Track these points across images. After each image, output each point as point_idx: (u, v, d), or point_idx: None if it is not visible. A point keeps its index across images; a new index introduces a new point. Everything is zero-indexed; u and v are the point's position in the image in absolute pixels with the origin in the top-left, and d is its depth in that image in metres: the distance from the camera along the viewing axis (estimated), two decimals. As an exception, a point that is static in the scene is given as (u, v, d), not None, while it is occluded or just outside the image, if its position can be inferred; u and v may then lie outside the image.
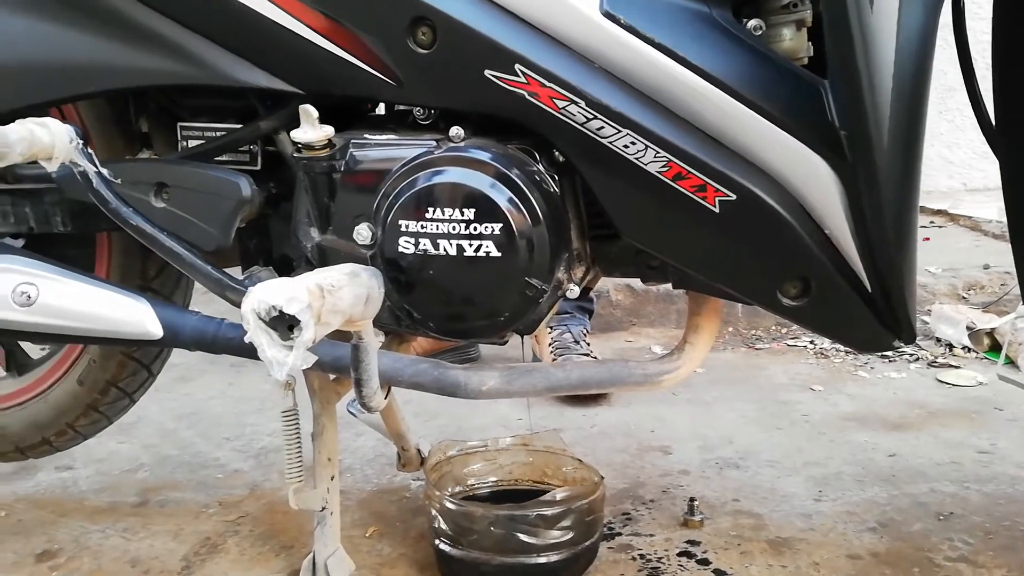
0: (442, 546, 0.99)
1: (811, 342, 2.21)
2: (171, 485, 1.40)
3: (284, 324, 0.66)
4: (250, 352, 0.90)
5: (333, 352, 0.87)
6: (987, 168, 3.88)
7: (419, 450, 1.26)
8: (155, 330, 0.86)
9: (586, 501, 0.97)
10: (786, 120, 0.74)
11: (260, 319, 0.66)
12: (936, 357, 2.02)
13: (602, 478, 1.03)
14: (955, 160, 4.07)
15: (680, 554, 1.08)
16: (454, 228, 0.78)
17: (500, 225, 0.78)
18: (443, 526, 0.98)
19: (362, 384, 0.81)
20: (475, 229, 0.78)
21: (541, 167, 0.82)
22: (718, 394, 1.81)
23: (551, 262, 0.81)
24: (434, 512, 0.99)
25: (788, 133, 0.74)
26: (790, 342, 2.23)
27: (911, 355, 2.07)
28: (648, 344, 2.25)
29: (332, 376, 1.08)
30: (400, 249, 0.81)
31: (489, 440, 1.16)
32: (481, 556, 0.96)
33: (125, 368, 1.17)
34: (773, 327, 2.34)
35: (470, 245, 0.78)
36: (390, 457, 1.39)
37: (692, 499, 1.17)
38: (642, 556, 1.08)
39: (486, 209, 0.78)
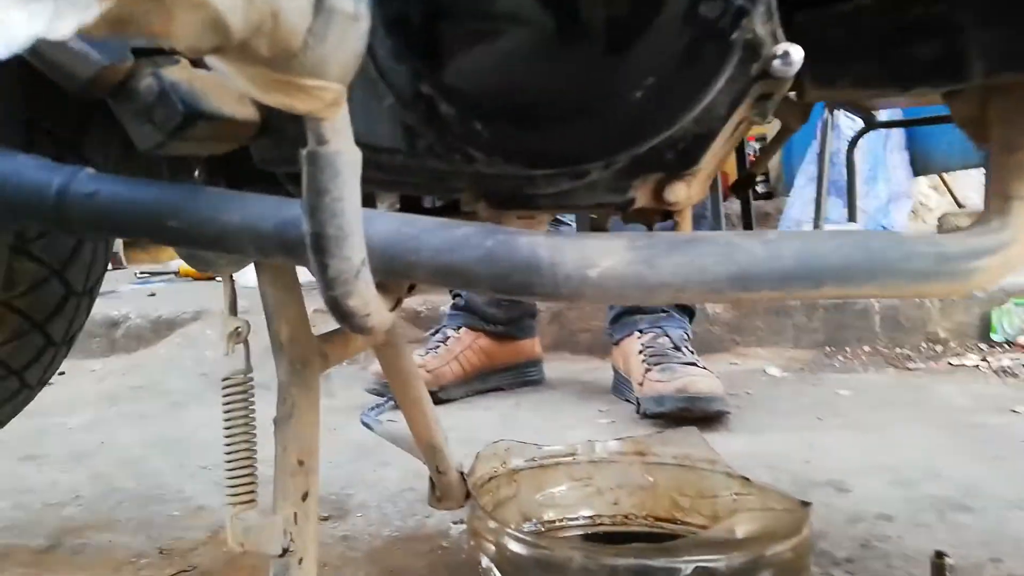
0: (502, 629, 0.51)
1: (984, 359, 1.68)
2: (103, 524, 0.95)
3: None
4: (126, 225, 0.46)
5: (278, 213, 0.42)
6: None
7: (463, 475, 0.79)
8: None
9: (789, 545, 0.49)
10: None
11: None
12: None
13: (807, 504, 0.54)
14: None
15: (950, 656, 0.58)
16: None
17: None
18: (504, 590, 0.50)
19: (325, 245, 0.35)
20: None
21: None
22: (884, 418, 1.30)
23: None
24: (486, 561, 0.52)
25: None
26: (954, 361, 1.70)
27: None
28: (760, 366, 1.75)
29: (313, 325, 0.63)
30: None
31: (580, 444, 0.68)
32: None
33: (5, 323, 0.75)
34: (923, 344, 1.81)
35: None
36: (422, 492, 0.92)
37: (941, 554, 0.66)
38: (875, 658, 0.58)
39: None
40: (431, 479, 0.81)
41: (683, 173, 0.43)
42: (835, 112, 2.70)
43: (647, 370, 1.35)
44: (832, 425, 1.27)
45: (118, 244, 4.39)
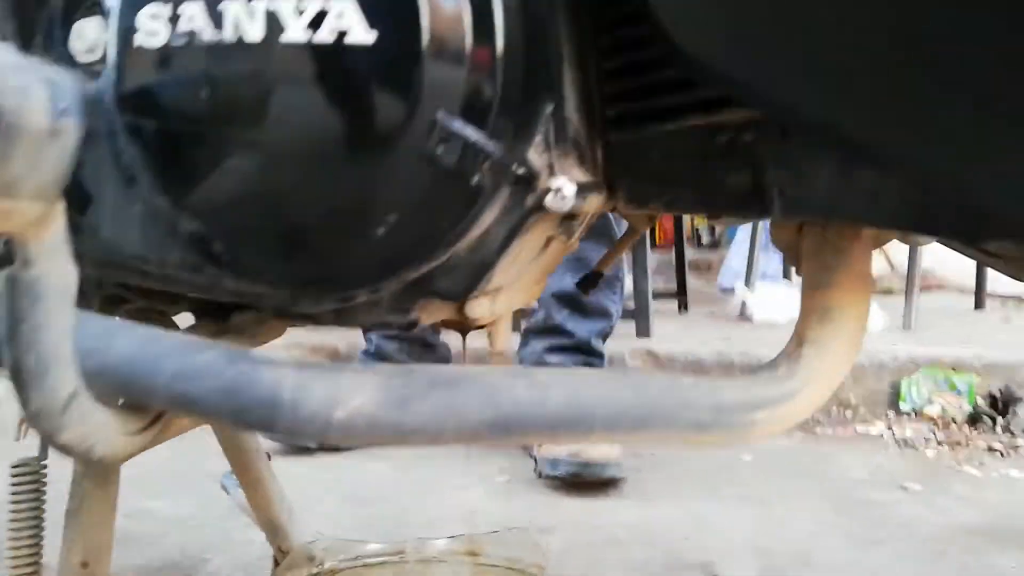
0: None
1: (889, 428, 1.69)
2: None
3: None
4: None
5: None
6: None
7: (312, 558, 0.75)
8: None
9: None
10: None
11: None
12: (1068, 455, 1.50)
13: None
14: None
15: None
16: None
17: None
18: None
19: (25, 379, 0.32)
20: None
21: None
22: (778, 489, 1.29)
23: (516, 94, 0.33)
24: None
25: None
26: (860, 428, 1.71)
27: (1032, 451, 1.54)
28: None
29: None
30: (140, 42, 0.33)
31: (408, 543, 0.65)
32: None
33: None
34: (835, 408, 1.82)
35: (299, 13, 0.31)
36: (285, 560, 0.87)
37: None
38: None
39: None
40: (274, 556, 0.77)
41: (468, 297, 0.41)
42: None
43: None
44: (725, 495, 1.26)
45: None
